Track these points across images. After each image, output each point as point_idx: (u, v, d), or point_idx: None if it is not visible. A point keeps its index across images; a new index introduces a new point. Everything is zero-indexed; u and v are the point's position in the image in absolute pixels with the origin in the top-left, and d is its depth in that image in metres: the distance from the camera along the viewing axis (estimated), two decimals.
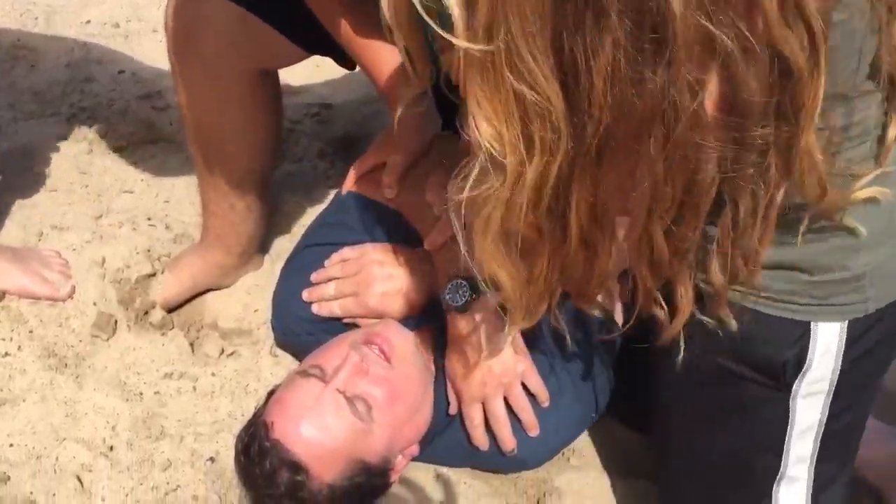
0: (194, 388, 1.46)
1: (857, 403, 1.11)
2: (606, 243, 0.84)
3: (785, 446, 1.09)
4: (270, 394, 1.25)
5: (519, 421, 1.26)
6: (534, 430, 1.25)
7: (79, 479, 1.30)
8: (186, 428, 1.40)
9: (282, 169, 1.90)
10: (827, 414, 1.08)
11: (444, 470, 1.37)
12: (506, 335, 1.07)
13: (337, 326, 1.32)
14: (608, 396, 1.33)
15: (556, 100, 0.72)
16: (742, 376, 1.08)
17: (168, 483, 1.32)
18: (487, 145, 0.75)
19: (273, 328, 1.40)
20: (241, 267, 1.62)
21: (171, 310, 1.58)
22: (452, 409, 1.27)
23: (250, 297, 1.63)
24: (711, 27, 0.71)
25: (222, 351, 1.54)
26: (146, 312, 1.55)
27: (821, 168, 0.86)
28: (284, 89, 2.13)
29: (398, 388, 1.22)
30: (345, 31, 1.26)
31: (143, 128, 1.94)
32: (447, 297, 1.21)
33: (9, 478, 1.28)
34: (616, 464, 1.42)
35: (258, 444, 1.15)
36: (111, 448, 1.35)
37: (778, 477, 1.10)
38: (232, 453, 1.26)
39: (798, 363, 1.05)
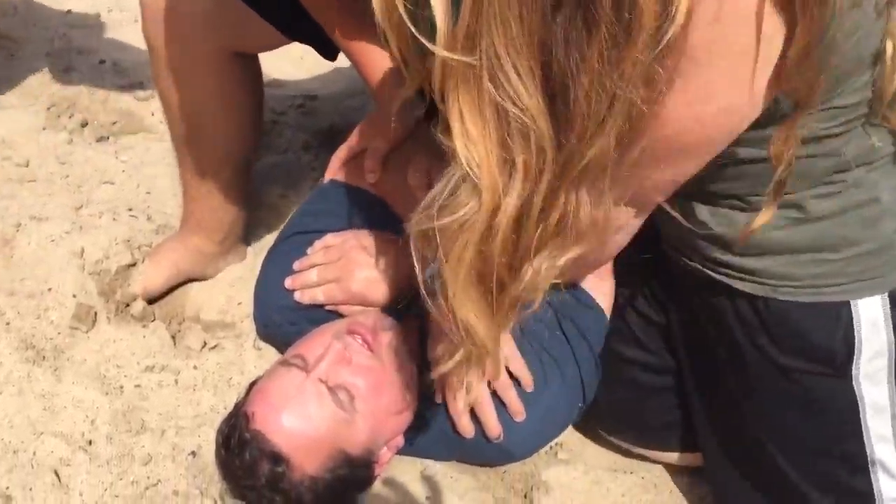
0: (176, 382, 1.43)
1: None
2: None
3: (864, 432, 1.07)
4: (252, 385, 1.22)
5: (504, 407, 1.24)
6: (519, 415, 1.23)
7: (56, 473, 1.27)
8: (168, 422, 1.37)
9: (266, 161, 1.88)
10: (895, 388, 1.06)
11: (431, 464, 1.35)
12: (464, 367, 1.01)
13: (320, 315, 1.30)
14: (595, 387, 1.31)
15: (541, 118, 0.68)
16: (802, 370, 1.07)
17: (148, 478, 1.29)
18: (465, 165, 0.70)
19: (255, 319, 1.38)
20: (223, 255, 1.59)
21: (152, 301, 1.55)
22: (438, 398, 1.26)
23: (233, 289, 1.60)
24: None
25: (205, 344, 1.51)
26: (127, 304, 1.53)
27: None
28: (269, 81, 2.13)
29: (382, 378, 1.19)
30: (335, 23, 1.25)
31: (124, 118, 1.92)
32: (428, 279, 1.19)
33: None
34: (604, 458, 1.41)
35: (238, 435, 1.13)
36: (90, 442, 1.33)
37: (869, 463, 1.08)
38: (214, 448, 1.23)
39: (849, 345, 1.04)
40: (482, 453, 1.30)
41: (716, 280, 1.10)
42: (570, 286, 1.23)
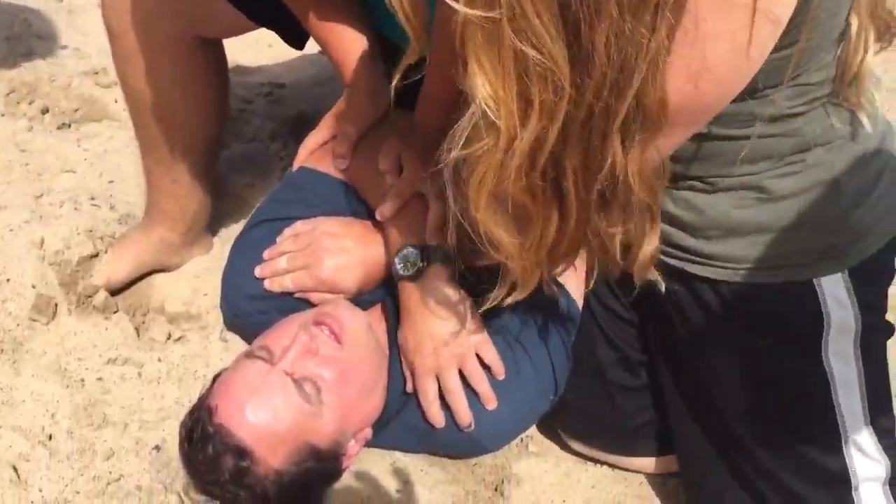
0: (139, 375, 1.40)
1: (877, 352, 1.11)
2: (595, 211, 0.84)
3: (836, 410, 1.07)
4: (216, 377, 1.19)
5: (476, 395, 1.22)
6: (491, 403, 1.22)
7: (15, 469, 1.24)
8: (131, 415, 1.34)
9: (232, 149, 1.85)
10: (862, 364, 1.07)
11: (401, 456, 1.34)
12: (495, 302, 1.03)
13: (289, 304, 1.27)
14: (566, 378, 1.30)
15: (562, 60, 0.70)
16: (770, 352, 1.08)
17: (111, 473, 1.26)
18: (483, 105, 0.73)
19: (222, 309, 1.35)
20: (187, 246, 1.56)
21: (115, 292, 1.52)
22: (409, 387, 1.24)
23: (199, 280, 1.57)
24: None
25: (169, 336, 1.48)
26: (89, 296, 1.49)
27: None
28: (236, 68, 2.10)
29: (349, 370, 1.18)
30: (308, 6, 1.22)
31: (86, 105, 1.87)
32: (398, 266, 1.18)
33: None
34: (576, 450, 1.40)
35: (201, 429, 1.10)
36: (50, 437, 1.29)
37: (843, 441, 1.08)
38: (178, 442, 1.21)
39: (816, 323, 1.05)
40: (453, 445, 1.28)
41: (671, 266, 1.10)
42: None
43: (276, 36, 1.42)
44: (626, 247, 0.92)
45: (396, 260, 1.18)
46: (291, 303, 1.28)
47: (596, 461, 1.38)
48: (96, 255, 1.52)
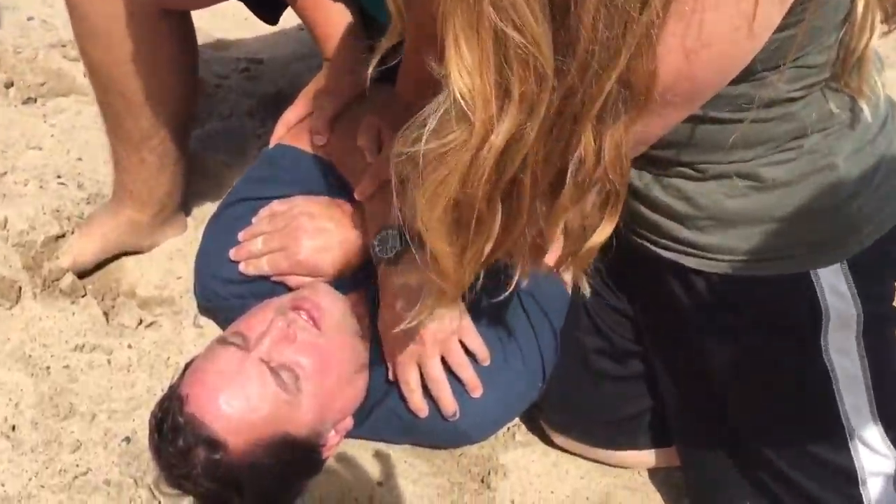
0: (108, 362, 1.35)
1: (885, 347, 1.08)
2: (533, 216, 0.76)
3: (839, 405, 1.04)
4: (188, 365, 1.14)
5: (460, 383, 1.18)
6: (476, 391, 1.18)
7: None
8: (99, 405, 1.29)
9: (207, 127, 1.78)
10: (866, 357, 1.03)
11: (383, 447, 1.29)
12: (430, 310, 0.94)
13: (266, 287, 1.23)
14: (553, 366, 1.26)
15: (545, 44, 0.63)
16: (767, 347, 1.05)
17: (77, 466, 1.21)
18: (458, 94, 0.65)
19: (195, 293, 1.29)
20: (159, 227, 1.50)
21: (82, 275, 1.45)
22: (391, 375, 1.19)
23: (172, 262, 1.51)
24: None
25: (140, 321, 1.42)
26: (55, 279, 1.42)
27: None
28: (212, 43, 2.02)
29: (328, 357, 1.13)
30: None
31: (53, 78, 1.80)
32: (376, 248, 1.13)
33: None
34: (559, 445, 1.35)
35: (171, 420, 1.05)
36: (13, 428, 1.24)
37: (848, 435, 1.05)
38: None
39: (814, 317, 1.02)
40: (437, 435, 1.24)
41: (664, 259, 1.06)
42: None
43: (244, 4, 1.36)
44: (565, 235, 0.83)
45: (375, 242, 1.14)
46: (268, 287, 1.23)
47: (579, 456, 1.34)
48: (62, 236, 1.45)
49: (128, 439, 1.25)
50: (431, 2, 0.65)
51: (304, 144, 1.28)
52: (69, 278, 1.41)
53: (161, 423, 1.07)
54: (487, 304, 1.20)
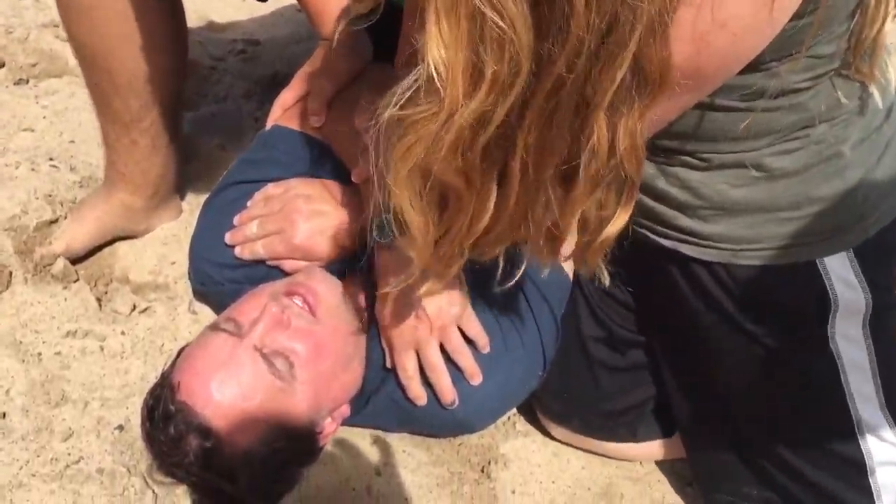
0: (101, 349, 1.32)
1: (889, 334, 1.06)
2: (540, 206, 0.75)
3: (846, 394, 1.02)
4: (181, 351, 1.12)
5: (459, 370, 1.15)
6: (476, 379, 1.15)
7: None
8: (92, 393, 1.26)
9: (202, 109, 1.75)
10: (874, 346, 1.02)
11: (381, 436, 1.27)
12: (417, 281, 0.93)
13: (261, 272, 1.20)
14: (553, 354, 1.24)
15: (522, 27, 0.61)
16: (773, 336, 1.03)
17: (69, 454, 1.18)
18: (431, 68, 0.64)
19: (190, 277, 1.27)
20: (153, 211, 1.47)
21: (75, 261, 1.42)
22: (388, 362, 1.17)
23: (167, 247, 1.48)
24: None
25: (134, 307, 1.39)
26: (47, 265, 1.39)
27: None
28: (207, 24, 1.99)
29: (323, 343, 1.11)
30: None
31: (45, 59, 1.76)
32: (374, 231, 1.10)
33: None
34: (556, 437, 1.33)
35: (163, 407, 1.03)
36: (3, 415, 1.21)
37: (856, 424, 1.03)
38: None
39: (822, 305, 1.00)
40: (436, 423, 1.22)
41: (664, 248, 1.04)
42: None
43: None
44: (582, 226, 0.82)
45: (372, 225, 1.11)
46: (263, 271, 1.20)
47: (576, 448, 1.31)
48: (55, 222, 1.42)
49: (121, 427, 1.22)
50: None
51: (300, 126, 1.25)
52: (61, 263, 1.38)
53: (153, 411, 1.05)
54: (488, 290, 1.17)
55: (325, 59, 1.22)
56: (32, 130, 1.62)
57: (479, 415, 1.22)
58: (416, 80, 0.67)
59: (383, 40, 1.18)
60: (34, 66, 1.74)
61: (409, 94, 0.68)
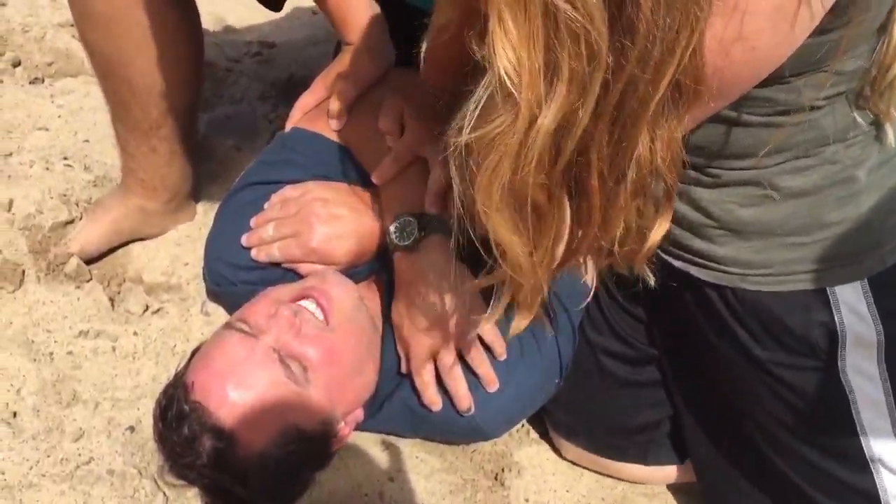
0: (113, 349, 1.31)
1: None
2: (619, 214, 0.73)
3: (858, 427, 0.99)
4: (195, 351, 1.10)
5: (476, 377, 1.14)
6: (493, 385, 1.14)
7: None
8: (103, 393, 1.25)
9: (218, 111, 1.74)
10: (890, 381, 0.98)
11: (395, 441, 1.26)
12: (512, 327, 0.91)
13: (277, 275, 1.18)
14: (570, 360, 1.22)
15: (599, 17, 0.59)
16: (783, 364, 1.00)
17: (80, 455, 1.17)
18: (502, 73, 0.61)
19: (204, 278, 1.25)
20: (169, 214, 1.46)
21: (89, 261, 1.41)
22: (403, 367, 1.15)
23: (180, 248, 1.47)
24: None
25: (146, 308, 1.38)
26: (61, 264, 1.38)
27: None
28: (224, 27, 1.98)
29: (337, 347, 1.09)
30: None
31: (61, 58, 1.75)
32: (393, 235, 1.10)
33: None
34: (564, 457, 1.31)
35: (176, 407, 1.01)
36: (14, 414, 1.20)
37: (869, 459, 1.00)
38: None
39: (831, 336, 0.96)
40: (451, 430, 1.20)
41: (676, 269, 1.02)
42: None
43: None
44: (625, 234, 0.80)
45: (392, 228, 1.10)
46: (279, 274, 1.19)
47: (585, 468, 1.28)
48: (71, 222, 1.41)
49: (132, 428, 1.21)
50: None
51: (320, 128, 1.24)
52: (74, 262, 1.37)
53: (166, 411, 1.03)
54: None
55: (347, 63, 1.20)
56: (47, 129, 1.61)
57: (495, 422, 1.20)
58: (485, 92, 0.64)
59: (402, 44, 1.17)
60: (50, 65, 1.74)
61: (479, 111, 0.64)
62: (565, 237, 0.73)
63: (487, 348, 1.14)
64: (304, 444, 1.08)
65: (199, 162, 1.52)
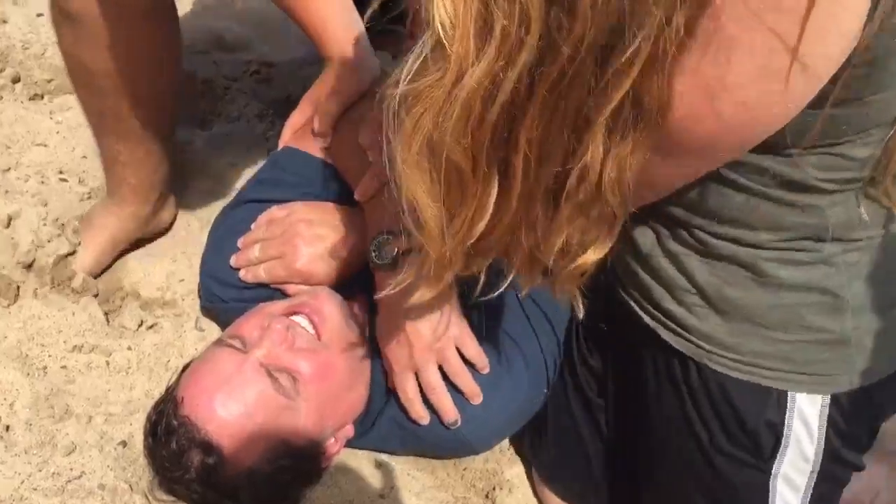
0: (107, 364, 1.31)
1: (834, 495, 1.01)
2: (534, 214, 0.72)
3: None
4: (186, 367, 1.11)
5: (460, 393, 1.14)
6: (476, 398, 1.14)
7: None
8: (96, 407, 1.25)
9: (215, 129, 1.75)
10: (811, 500, 0.97)
11: (386, 458, 1.26)
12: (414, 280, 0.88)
13: (267, 294, 1.19)
14: (556, 371, 1.23)
15: None
16: (722, 452, 0.97)
17: (71, 469, 1.17)
18: (439, 24, 0.61)
19: (199, 294, 1.26)
20: (156, 213, 1.45)
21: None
22: (391, 382, 1.16)
23: (175, 264, 1.47)
24: None
25: (141, 322, 1.39)
26: (59, 279, 1.38)
27: None
28: (222, 45, 2.00)
29: (328, 362, 1.10)
30: None
31: (61, 75, 1.76)
32: (373, 252, 1.10)
33: None
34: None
35: (166, 422, 1.03)
36: (7, 428, 1.20)
37: None
38: None
39: (775, 437, 0.94)
40: (439, 444, 1.21)
41: (644, 324, 1.00)
42: None
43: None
44: (561, 251, 0.78)
45: (371, 247, 1.11)
46: (268, 293, 1.20)
47: None
48: (72, 254, 1.40)
49: (124, 443, 1.21)
50: None
51: (308, 147, 1.26)
52: (80, 276, 1.38)
53: (155, 426, 1.04)
54: (486, 307, 1.17)
55: (331, 81, 1.22)
56: (45, 146, 1.62)
57: (483, 435, 1.21)
58: (422, 48, 0.64)
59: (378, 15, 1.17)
60: (49, 81, 1.75)
61: (416, 65, 0.64)
62: (487, 216, 0.72)
63: (470, 364, 1.15)
64: (294, 459, 1.09)
65: (197, 179, 1.53)
